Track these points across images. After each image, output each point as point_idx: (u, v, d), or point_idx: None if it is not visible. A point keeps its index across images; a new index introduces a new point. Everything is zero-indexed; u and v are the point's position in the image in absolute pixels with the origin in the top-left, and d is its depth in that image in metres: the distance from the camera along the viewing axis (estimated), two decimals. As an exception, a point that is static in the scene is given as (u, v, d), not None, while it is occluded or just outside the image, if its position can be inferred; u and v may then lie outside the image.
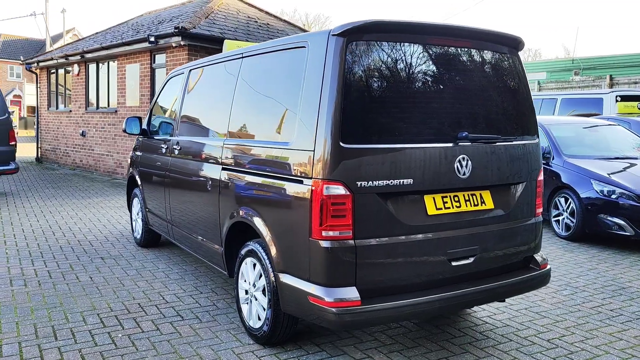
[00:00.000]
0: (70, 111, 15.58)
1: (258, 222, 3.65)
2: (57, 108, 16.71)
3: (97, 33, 17.11)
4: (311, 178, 3.15)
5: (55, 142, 16.65)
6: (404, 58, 3.32)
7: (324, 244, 3.10)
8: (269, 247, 3.53)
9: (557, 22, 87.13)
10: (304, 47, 3.43)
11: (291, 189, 3.33)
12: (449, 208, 3.43)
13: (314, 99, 3.20)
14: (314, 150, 3.16)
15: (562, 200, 7.49)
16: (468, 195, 3.52)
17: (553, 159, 7.87)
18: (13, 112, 34.31)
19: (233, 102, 4.22)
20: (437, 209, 3.38)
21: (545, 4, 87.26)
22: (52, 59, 15.88)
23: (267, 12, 14.34)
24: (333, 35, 3.19)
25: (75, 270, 5.55)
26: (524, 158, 3.79)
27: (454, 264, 3.43)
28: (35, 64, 17.12)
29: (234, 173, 4.03)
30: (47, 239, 6.95)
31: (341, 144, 3.08)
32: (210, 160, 4.43)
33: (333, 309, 3.07)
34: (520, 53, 3.93)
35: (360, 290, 3.15)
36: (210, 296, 4.81)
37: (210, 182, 4.38)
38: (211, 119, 4.71)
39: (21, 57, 21.28)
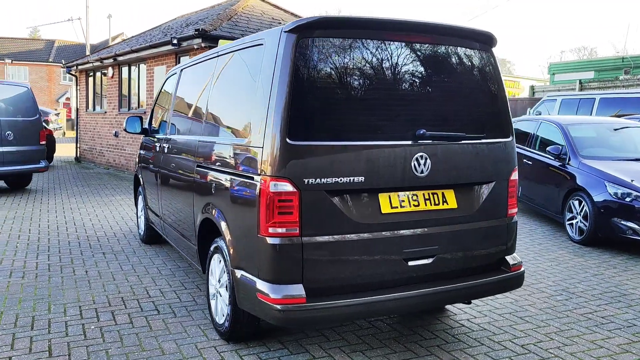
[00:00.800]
0: (105, 112, 16.12)
1: (220, 219, 3.69)
2: (94, 109, 17.32)
3: (131, 37, 17.64)
4: (260, 175, 3.16)
5: (92, 142, 17.25)
6: (358, 55, 3.28)
7: (271, 240, 3.10)
8: (227, 243, 3.56)
9: (608, 20, 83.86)
10: (262, 44, 3.44)
11: (245, 185, 3.35)
12: (405, 207, 3.36)
13: (265, 95, 3.21)
14: (263, 147, 3.17)
15: (576, 203, 7.21)
16: (428, 194, 3.45)
17: (569, 160, 7.59)
18: (59, 113, 35.80)
19: (208, 100, 4.28)
20: (393, 207, 3.32)
21: (595, 2, 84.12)
22: (88, 62, 16.48)
23: (292, 14, 14.43)
24: (285, 32, 3.19)
25: (74, 264, 5.74)
26: (494, 157, 3.68)
27: (411, 263, 3.37)
28: (75, 68, 17.81)
29: (204, 170, 4.09)
30: (59, 234, 7.21)
31: (288, 140, 3.07)
32: (189, 158, 4.50)
33: (278, 306, 3.07)
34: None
35: (308, 288, 3.13)
36: (193, 292, 4.88)
37: (188, 180, 4.46)
38: (192, 117, 4.79)
39: (62, 60, 22.16)
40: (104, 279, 5.23)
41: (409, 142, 3.33)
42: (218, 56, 4.29)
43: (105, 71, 16.10)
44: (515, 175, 3.82)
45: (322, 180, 3.12)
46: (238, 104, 3.69)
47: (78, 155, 18.59)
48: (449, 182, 3.50)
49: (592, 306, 4.73)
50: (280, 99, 3.09)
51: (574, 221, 7.22)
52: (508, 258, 3.79)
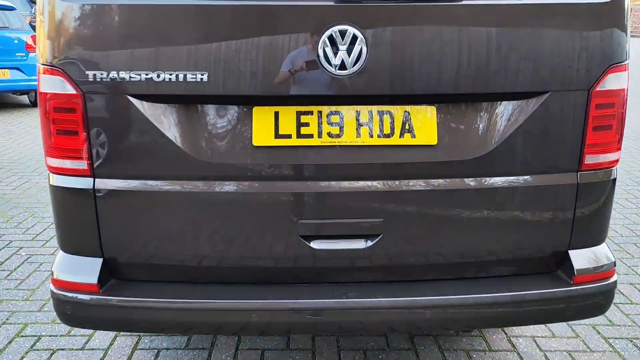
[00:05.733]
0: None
1: None
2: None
3: None
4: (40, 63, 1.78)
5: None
6: None
7: (53, 179, 1.79)
8: None
9: None
10: None
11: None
12: (310, 137, 1.68)
13: None
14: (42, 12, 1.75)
15: None
16: (369, 113, 1.69)
17: None
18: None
19: None
20: (279, 136, 1.68)
21: None
22: None
23: None
24: None
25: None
26: (550, 38, 1.65)
27: (317, 245, 1.73)
28: None
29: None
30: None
31: (60, -4, 1.64)
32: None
33: (56, 291, 1.80)
34: None
35: (112, 267, 1.79)
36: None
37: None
38: None
39: None
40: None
41: (315, 3, 1.59)
42: None
43: None
44: (619, 82, 1.73)
45: (124, 75, 1.63)
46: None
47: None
48: (421, 91, 1.66)
49: None
50: None
51: None
52: (573, 256, 1.83)
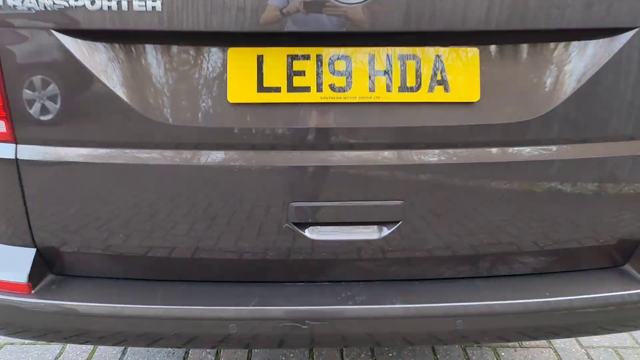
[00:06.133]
0: None
1: None
2: None
3: None
4: None
5: None
6: None
7: (-37, 144, 1.36)
8: None
9: None
10: None
11: None
12: (306, 90, 1.23)
13: None
14: None
15: None
16: (387, 57, 1.23)
17: None
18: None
19: None
20: (264, 89, 1.23)
21: None
22: None
23: None
24: None
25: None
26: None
27: (312, 235, 1.31)
28: None
29: None
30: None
31: None
32: None
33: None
34: None
35: (54, 255, 1.38)
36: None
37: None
38: None
39: None
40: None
41: None
42: None
43: None
44: None
45: (46, 0, 1.17)
46: None
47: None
48: (460, 26, 1.20)
49: None
50: None
51: None
52: (648, 247, 1.42)
